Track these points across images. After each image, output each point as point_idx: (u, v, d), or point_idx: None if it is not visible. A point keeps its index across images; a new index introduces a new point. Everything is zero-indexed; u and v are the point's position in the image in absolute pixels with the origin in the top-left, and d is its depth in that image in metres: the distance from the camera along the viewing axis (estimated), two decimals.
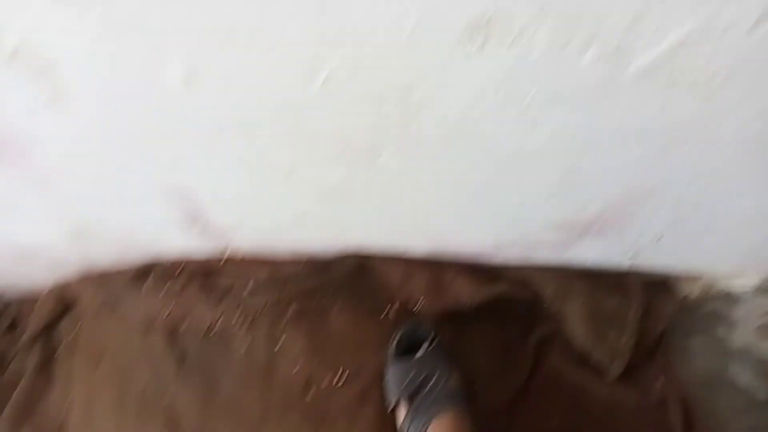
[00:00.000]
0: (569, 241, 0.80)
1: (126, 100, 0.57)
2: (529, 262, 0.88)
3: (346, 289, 0.93)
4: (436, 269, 0.90)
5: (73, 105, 0.58)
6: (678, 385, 0.86)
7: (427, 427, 0.75)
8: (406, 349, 0.86)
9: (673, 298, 0.92)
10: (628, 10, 0.40)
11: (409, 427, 0.77)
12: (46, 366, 1.02)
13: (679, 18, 0.40)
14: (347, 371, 0.88)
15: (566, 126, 0.54)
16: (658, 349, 0.88)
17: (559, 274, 0.88)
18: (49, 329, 1.05)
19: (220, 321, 0.94)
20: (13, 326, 1.09)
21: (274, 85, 0.52)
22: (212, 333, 0.95)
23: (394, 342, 0.86)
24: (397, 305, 0.92)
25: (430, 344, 0.85)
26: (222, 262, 0.98)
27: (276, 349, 0.92)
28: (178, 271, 0.98)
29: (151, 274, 0.99)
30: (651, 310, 0.87)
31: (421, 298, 0.90)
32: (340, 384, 0.88)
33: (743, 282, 0.91)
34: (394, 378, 0.83)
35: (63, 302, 1.05)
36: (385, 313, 0.92)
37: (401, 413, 0.80)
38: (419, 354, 0.83)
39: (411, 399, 0.79)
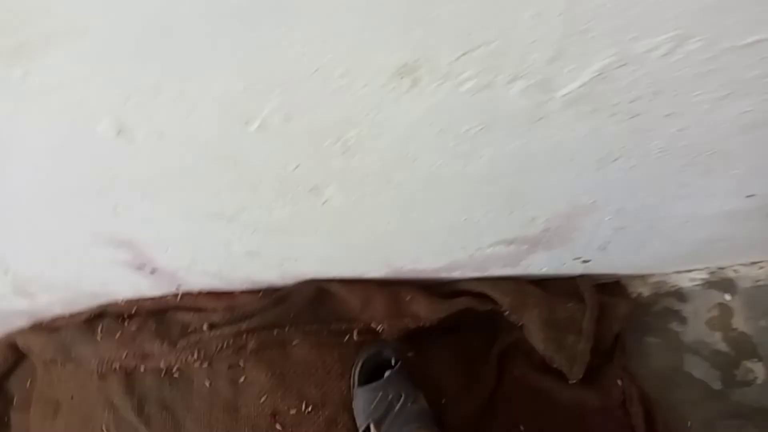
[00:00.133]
0: (521, 255, 0.81)
1: (60, 152, 0.55)
2: (485, 275, 0.89)
3: (306, 316, 0.92)
4: (395, 290, 0.90)
5: (8, 161, 0.57)
6: (637, 382, 0.88)
7: None
8: (372, 372, 0.86)
9: (626, 298, 0.94)
10: (546, 49, 0.41)
11: None
12: (0, 422, 0.98)
13: (597, 50, 0.41)
14: (313, 399, 0.87)
15: (503, 151, 0.55)
16: (616, 350, 0.90)
17: (514, 285, 0.89)
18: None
19: (179, 360, 0.92)
20: None
21: (208, 134, 0.51)
22: (172, 373, 0.92)
23: (358, 367, 0.86)
24: (359, 328, 0.91)
25: (393, 366, 0.85)
26: (177, 299, 0.95)
27: (239, 383, 0.90)
28: (132, 311, 0.95)
29: (104, 318, 0.96)
30: (606, 312, 0.89)
31: (383, 319, 0.89)
32: (308, 410, 0.87)
33: (691, 277, 0.94)
34: (361, 403, 0.83)
35: (13, 355, 1.01)
36: (347, 337, 0.92)
37: None
38: (384, 377, 0.83)
39: (379, 423, 0.79)
